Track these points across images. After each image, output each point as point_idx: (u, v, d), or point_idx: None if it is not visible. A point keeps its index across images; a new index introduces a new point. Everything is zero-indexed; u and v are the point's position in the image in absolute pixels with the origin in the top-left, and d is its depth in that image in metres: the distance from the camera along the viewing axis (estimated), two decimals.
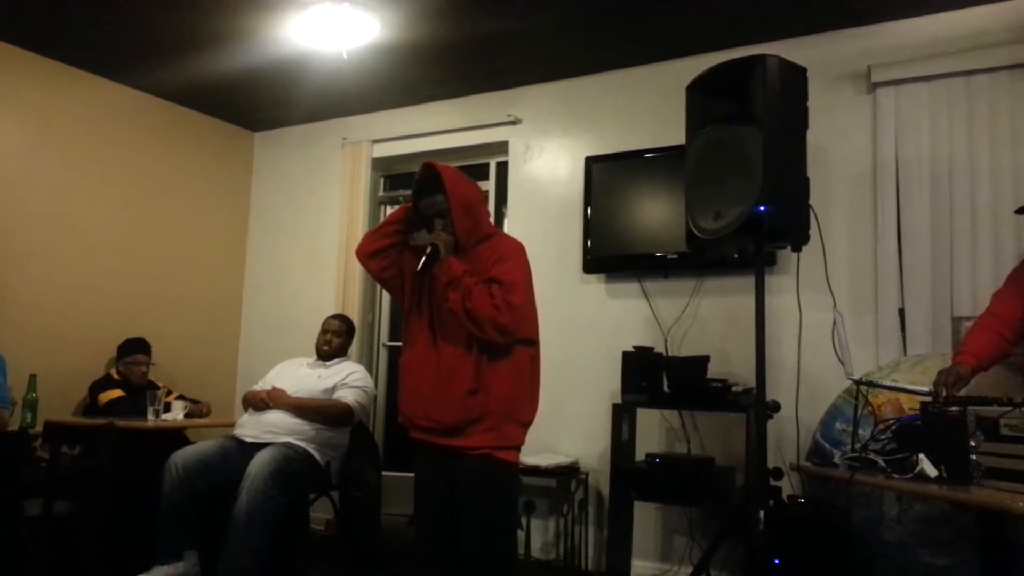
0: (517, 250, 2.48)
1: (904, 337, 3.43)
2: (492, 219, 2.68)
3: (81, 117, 4.54)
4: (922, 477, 2.09)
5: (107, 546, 3.31)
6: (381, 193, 5.24)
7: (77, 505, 3.51)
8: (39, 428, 3.54)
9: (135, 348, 4.40)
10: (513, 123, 4.57)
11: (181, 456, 3.38)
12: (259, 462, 3.26)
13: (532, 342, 2.44)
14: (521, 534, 4.03)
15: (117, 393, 4.19)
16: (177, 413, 3.81)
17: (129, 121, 4.80)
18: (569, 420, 4.12)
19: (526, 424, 2.43)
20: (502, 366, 2.37)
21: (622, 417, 3.56)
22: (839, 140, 3.65)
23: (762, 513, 2.64)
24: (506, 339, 2.34)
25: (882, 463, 2.25)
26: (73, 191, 4.49)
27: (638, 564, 3.77)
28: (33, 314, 4.24)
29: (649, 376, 3.49)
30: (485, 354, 2.36)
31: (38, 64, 4.32)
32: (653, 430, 3.86)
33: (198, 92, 4.87)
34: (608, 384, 3.92)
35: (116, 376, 4.36)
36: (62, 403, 4.19)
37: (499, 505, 2.39)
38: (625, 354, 3.57)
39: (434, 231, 2.45)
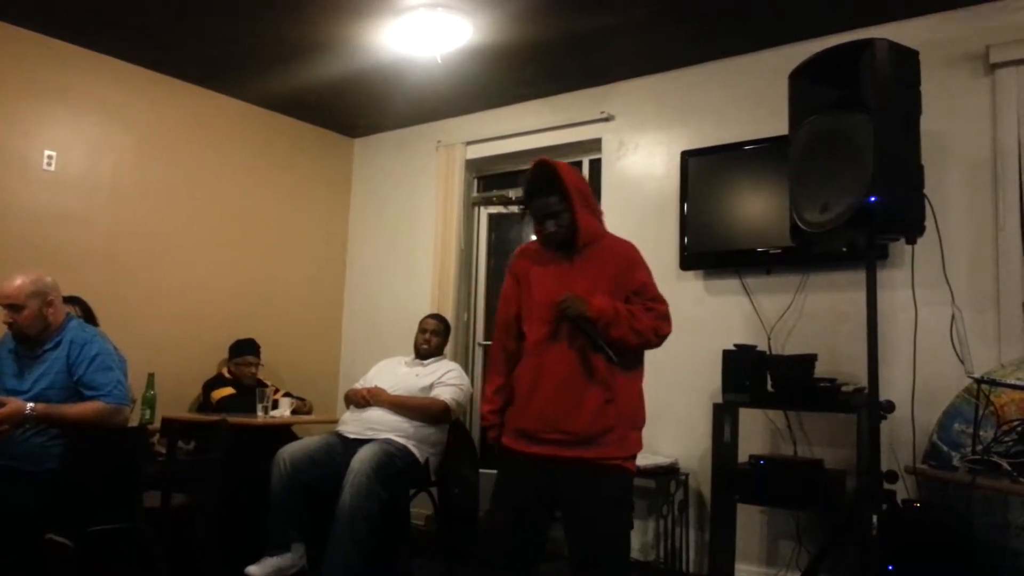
0: (636, 252, 2.49)
1: None
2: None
3: (190, 129, 4.76)
4: None
5: (220, 536, 3.46)
6: (475, 194, 5.29)
7: (192, 497, 3.67)
8: (157, 424, 3.73)
9: (245, 349, 4.59)
10: (606, 120, 4.52)
11: (288, 451, 3.51)
12: (361, 458, 3.35)
13: None
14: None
15: (229, 391, 4.39)
16: (284, 410, 3.94)
17: (235, 131, 5.01)
18: (667, 420, 4.04)
19: (642, 428, 2.42)
20: (631, 373, 2.37)
21: (723, 417, 3.47)
22: (956, 126, 3.44)
23: (875, 518, 2.55)
24: (661, 343, 2.37)
25: (1007, 467, 2.14)
26: (184, 200, 4.72)
27: (742, 568, 3.67)
28: (151, 317, 4.48)
29: (752, 375, 3.40)
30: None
31: (149, 78, 4.55)
32: (757, 431, 3.75)
33: (299, 101, 5.04)
34: (708, 383, 3.83)
35: (228, 375, 4.56)
36: (178, 400, 4.39)
37: (623, 513, 2.38)
38: (726, 352, 3.48)
39: (545, 229, 2.38)
